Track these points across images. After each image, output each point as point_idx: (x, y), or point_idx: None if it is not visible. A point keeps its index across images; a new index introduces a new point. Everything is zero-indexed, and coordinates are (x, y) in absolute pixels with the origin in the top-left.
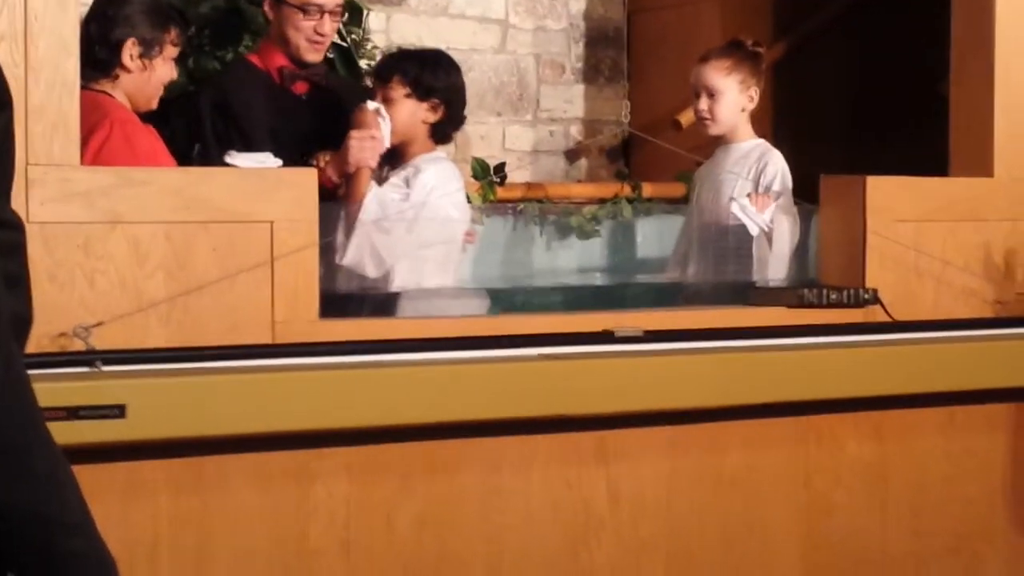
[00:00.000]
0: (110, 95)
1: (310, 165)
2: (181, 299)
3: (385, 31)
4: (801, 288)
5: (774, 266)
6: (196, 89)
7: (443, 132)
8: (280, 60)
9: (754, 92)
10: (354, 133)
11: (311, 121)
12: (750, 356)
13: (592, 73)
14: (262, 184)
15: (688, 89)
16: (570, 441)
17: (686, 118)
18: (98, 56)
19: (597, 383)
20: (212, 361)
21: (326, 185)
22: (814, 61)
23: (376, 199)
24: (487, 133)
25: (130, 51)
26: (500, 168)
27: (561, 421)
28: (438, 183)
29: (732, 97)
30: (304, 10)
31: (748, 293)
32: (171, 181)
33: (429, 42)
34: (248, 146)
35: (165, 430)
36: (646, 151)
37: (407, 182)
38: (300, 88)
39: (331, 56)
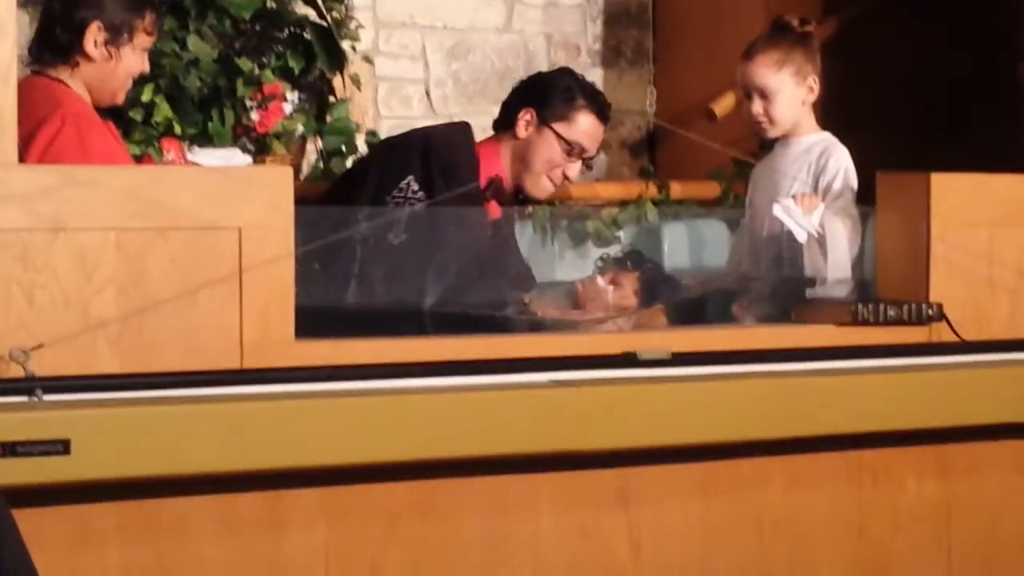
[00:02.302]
0: (66, 84)
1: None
2: (135, 318)
3: (372, 6)
4: (855, 303)
5: (829, 276)
6: (420, 131)
7: None
8: (498, 168)
9: (813, 81)
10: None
11: (492, 246)
12: (795, 382)
13: (612, 56)
14: (229, 185)
15: (721, 74)
16: (586, 481)
17: (720, 107)
18: (58, 38)
19: (617, 413)
20: (170, 389)
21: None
22: (871, 40)
23: None
24: (488, 125)
25: (94, 36)
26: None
27: (575, 457)
28: None
29: (788, 93)
30: (569, 147)
31: (793, 309)
32: (123, 181)
33: (422, 20)
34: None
35: (116, 468)
36: (674, 146)
37: None
38: (494, 207)
39: (307, 38)
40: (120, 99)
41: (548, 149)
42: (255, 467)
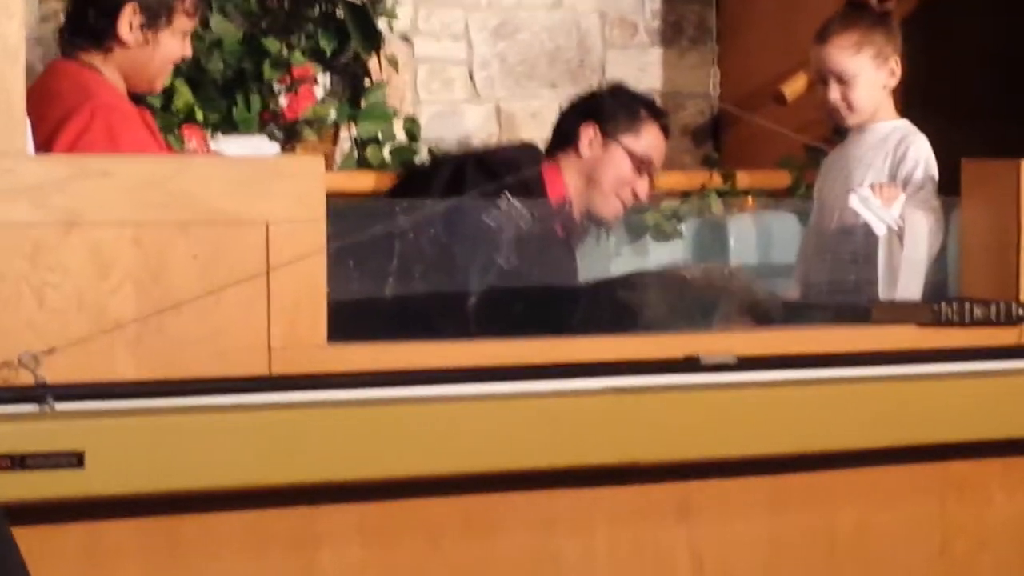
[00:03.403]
0: (98, 71)
1: None
2: (154, 320)
3: None
4: (937, 302)
5: (907, 275)
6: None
7: None
8: (563, 191)
9: (894, 64)
10: None
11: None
12: (872, 388)
13: (672, 34)
14: (255, 175)
15: (793, 53)
16: (644, 496)
17: (791, 89)
18: (90, 21)
19: (678, 422)
20: (192, 397)
21: None
22: (956, 15)
23: None
24: (539, 110)
25: (129, 20)
26: None
27: (632, 470)
28: None
29: (868, 78)
30: (639, 162)
31: (870, 309)
32: (141, 172)
33: None
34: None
35: (134, 483)
36: (740, 131)
37: None
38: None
39: (340, 16)
40: (158, 87)
41: (617, 166)
42: (285, 481)
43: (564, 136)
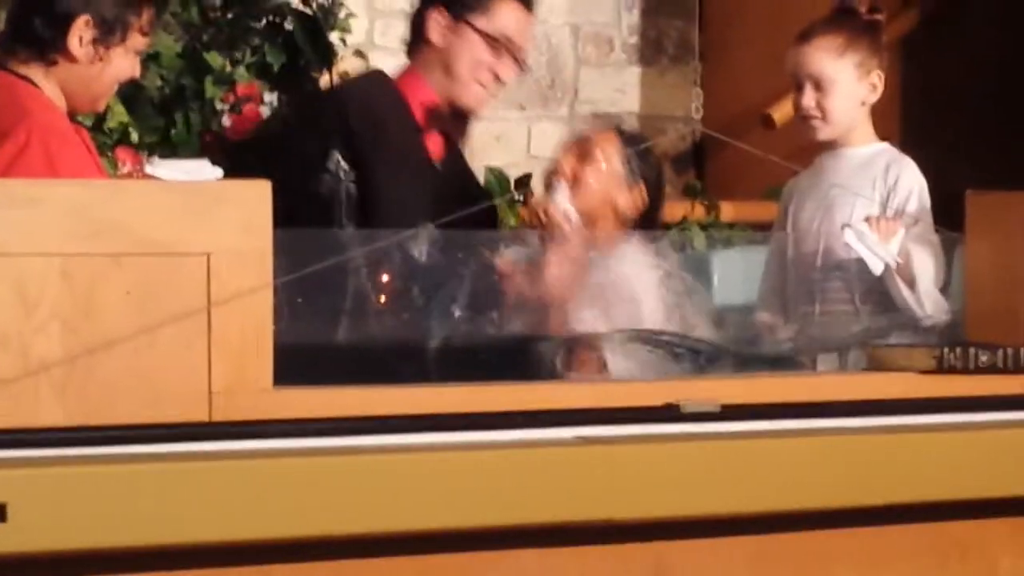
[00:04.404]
0: (35, 85)
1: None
2: (83, 361)
3: None
4: (939, 347)
5: (907, 315)
6: (332, 97)
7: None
8: (428, 94)
9: (876, 78)
10: (553, 257)
11: (442, 189)
12: (867, 440)
13: (651, 51)
14: (195, 202)
15: (782, 73)
16: (617, 557)
17: (780, 113)
18: (36, 31)
19: (655, 476)
20: (125, 446)
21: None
22: (957, 36)
23: None
24: (505, 133)
25: (80, 33)
26: (525, 181)
27: (606, 529)
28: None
29: (847, 87)
30: (492, 41)
31: (866, 354)
32: (69, 199)
33: None
34: (385, 197)
35: (60, 539)
36: (725, 158)
37: None
38: (436, 143)
39: (289, 29)
40: (100, 107)
41: (470, 49)
42: (228, 538)
43: (416, 30)
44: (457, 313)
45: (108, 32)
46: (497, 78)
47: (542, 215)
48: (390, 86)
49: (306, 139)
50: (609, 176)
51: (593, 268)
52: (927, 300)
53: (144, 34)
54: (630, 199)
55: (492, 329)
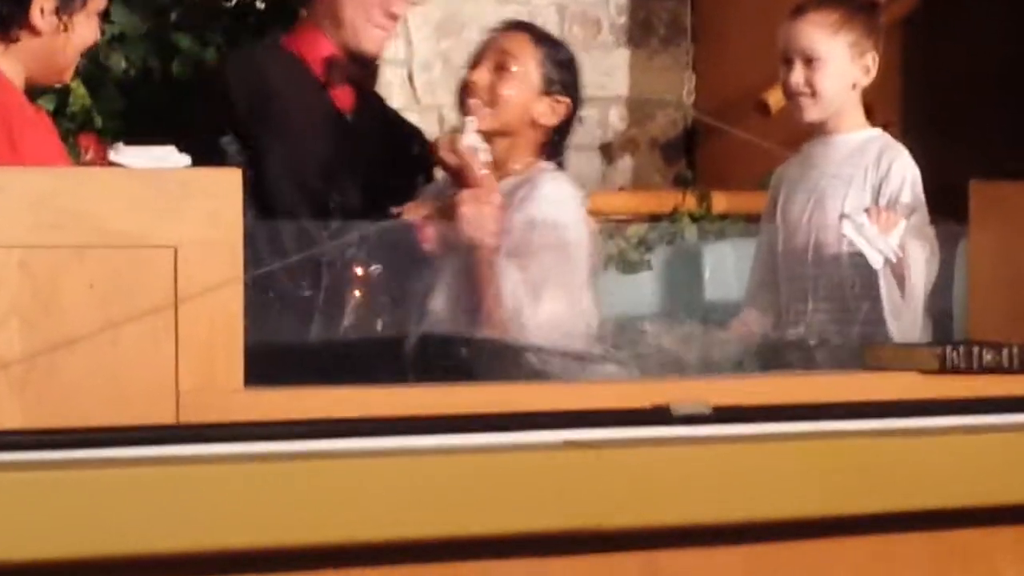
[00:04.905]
0: None
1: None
2: (44, 359)
3: None
4: (942, 345)
5: (903, 313)
6: (220, 70)
7: (555, 146)
8: (326, 47)
9: (870, 60)
10: (465, 198)
11: (360, 142)
12: (866, 444)
13: (640, 33)
14: (162, 192)
15: (777, 55)
16: (607, 565)
17: (776, 98)
18: None
19: (644, 482)
20: (88, 449)
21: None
22: (961, 17)
23: None
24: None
25: (42, 3)
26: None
27: (595, 537)
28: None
29: (840, 66)
30: None
31: (863, 352)
32: (29, 187)
33: None
34: (289, 165)
35: (21, 549)
36: (718, 146)
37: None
38: (345, 96)
39: (260, 8)
40: (68, 77)
41: None
42: (195, 547)
43: None
44: (366, 271)
45: None
46: (392, 15)
47: (451, 156)
48: (281, 50)
49: (201, 118)
50: (524, 84)
51: (513, 207)
52: (918, 298)
53: None
54: (549, 107)
55: (407, 291)
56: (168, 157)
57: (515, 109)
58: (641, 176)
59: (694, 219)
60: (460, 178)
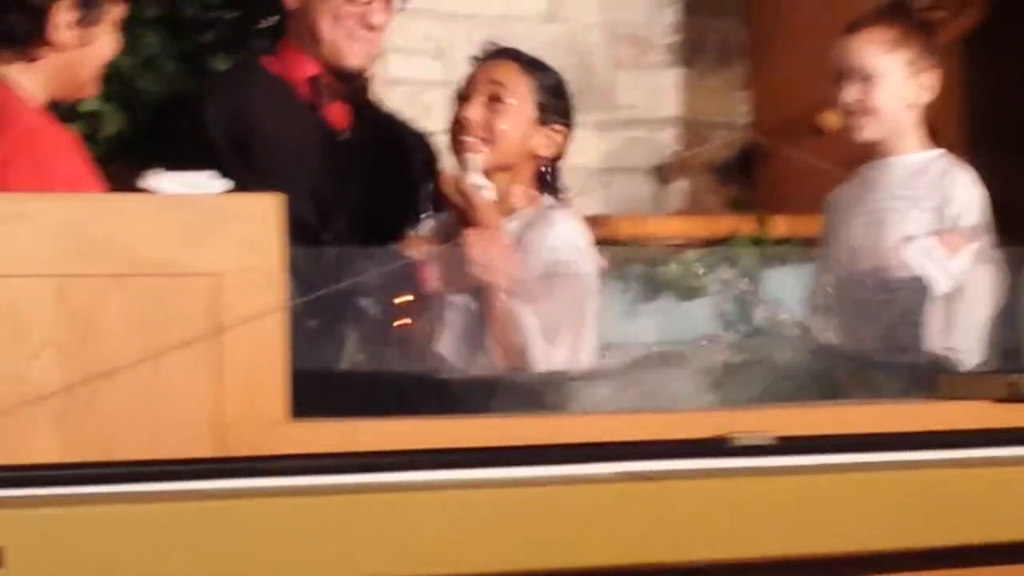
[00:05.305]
0: (13, 85)
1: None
2: (82, 391)
3: None
4: (1012, 373)
5: (967, 340)
6: (200, 97)
7: (554, 177)
8: (309, 67)
9: (929, 79)
10: (473, 239)
11: (355, 161)
12: (937, 475)
13: (692, 52)
14: (202, 218)
15: (834, 74)
16: None
17: (832, 119)
18: (11, 25)
19: (704, 516)
20: (129, 484)
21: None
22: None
23: None
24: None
25: (63, 17)
26: None
27: (649, 573)
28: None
29: (896, 84)
30: None
31: (934, 381)
32: (65, 213)
33: (444, 6)
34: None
35: None
36: (776, 168)
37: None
38: (338, 113)
39: None
40: (92, 91)
41: (323, 3)
42: None
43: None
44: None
45: (89, 9)
46: (371, 27)
47: (456, 196)
48: (261, 75)
49: (179, 152)
50: (520, 116)
51: (528, 250)
52: (982, 324)
53: (117, 1)
54: (546, 138)
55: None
56: (206, 182)
57: (513, 143)
58: (697, 199)
59: (753, 243)
60: (466, 217)
